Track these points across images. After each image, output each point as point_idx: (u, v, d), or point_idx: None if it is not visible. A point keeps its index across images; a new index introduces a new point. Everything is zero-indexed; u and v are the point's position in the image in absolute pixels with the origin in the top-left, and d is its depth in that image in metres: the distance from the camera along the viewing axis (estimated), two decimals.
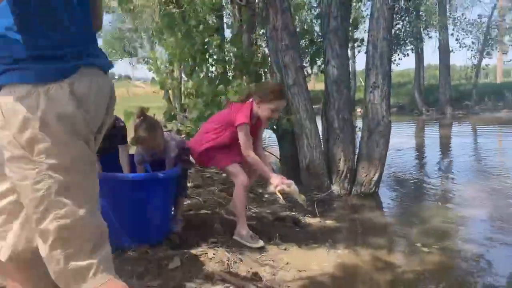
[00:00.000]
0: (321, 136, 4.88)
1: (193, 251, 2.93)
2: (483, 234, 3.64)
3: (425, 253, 3.18)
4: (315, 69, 5.77)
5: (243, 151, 3.17)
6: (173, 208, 3.36)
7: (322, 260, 3.05)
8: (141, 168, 3.24)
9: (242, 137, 3.15)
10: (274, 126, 5.22)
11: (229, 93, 4.57)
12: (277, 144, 5.49)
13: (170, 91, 14.81)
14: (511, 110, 15.68)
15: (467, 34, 18.52)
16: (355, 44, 17.70)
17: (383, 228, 3.92)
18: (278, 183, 3.09)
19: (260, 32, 6.32)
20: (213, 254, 2.90)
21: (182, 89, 6.28)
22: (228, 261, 2.83)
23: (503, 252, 3.23)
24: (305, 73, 5.19)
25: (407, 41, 18.36)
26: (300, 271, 2.84)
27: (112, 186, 2.90)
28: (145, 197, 2.93)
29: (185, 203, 4.07)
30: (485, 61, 18.89)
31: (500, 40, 18.33)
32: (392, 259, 3.10)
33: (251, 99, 3.26)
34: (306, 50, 6.19)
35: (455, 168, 6.75)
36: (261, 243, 3.19)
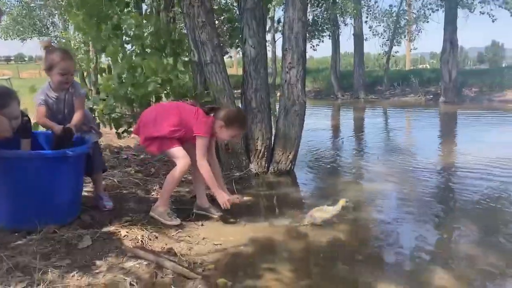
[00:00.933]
0: None
1: (106, 230, 2.85)
2: (391, 207, 3.89)
3: (337, 224, 3.33)
4: (234, 48, 5.77)
5: (198, 158, 3.14)
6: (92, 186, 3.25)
7: (239, 233, 3.10)
8: (41, 110, 3.04)
9: (199, 146, 3.13)
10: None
11: (145, 66, 4.39)
12: None
13: (85, 73, 14.08)
14: (417, 94, 16.83)
15: (379, 23, 19.52)
16: (275, 27, 17.98)
17: (298, 202, 4.05)
18: (223, 202, 3.22)
19: (179, 11, 6.18)
20: (127, 232, 2.84)
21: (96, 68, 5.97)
22: (143, 238, 2.78)
23: (410, 221, 3.47)
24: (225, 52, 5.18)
25: (324, 28, 18.98)
26: (216, 244, 2.87)
27: (17, 164, 2.72)
28: (52, 175, 2.78)
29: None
30: (395, 50, 19.97)
31: (408, 29, 19.53)
32: (305, 230, 3.22)
33: (212, 115, 3.24)
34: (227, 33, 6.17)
35: (367, 146, 7.13)
36: (178, 221, 3.17)
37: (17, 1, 21.38)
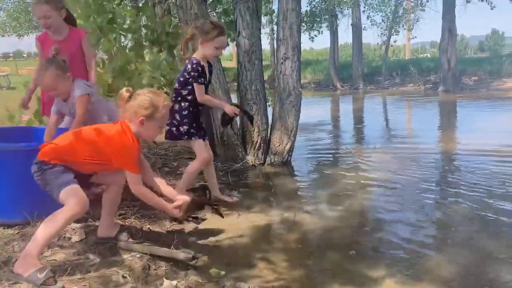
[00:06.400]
0: None
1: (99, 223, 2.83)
2: (384, 195, 3.87)
3: (330, 214, 3.34)
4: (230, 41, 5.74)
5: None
6: None
7: (234, 224, 3.10)
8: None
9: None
10: None
11: (141, 63, 4.39)
12: None
13: None
14: (416, 84, 16.76)
15: (377, 12, 19.35)
16: (272, 17, 17.93)
17: (293, 193, 4.04)
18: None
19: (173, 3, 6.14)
20: (121, 225, 2.83)
21: None
22: (136, 231, 2.78)
23: (402, 210, 3.47)
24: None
25: (322, 18, 18.87)
26: (211, 236, 2.87)
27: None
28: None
29: None
30: (394, 39, 19.81)
31: (406, 18, 19.37)
32: (300, 219, 3.22)
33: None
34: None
35: (366, 136, 7.12)
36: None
37: None
